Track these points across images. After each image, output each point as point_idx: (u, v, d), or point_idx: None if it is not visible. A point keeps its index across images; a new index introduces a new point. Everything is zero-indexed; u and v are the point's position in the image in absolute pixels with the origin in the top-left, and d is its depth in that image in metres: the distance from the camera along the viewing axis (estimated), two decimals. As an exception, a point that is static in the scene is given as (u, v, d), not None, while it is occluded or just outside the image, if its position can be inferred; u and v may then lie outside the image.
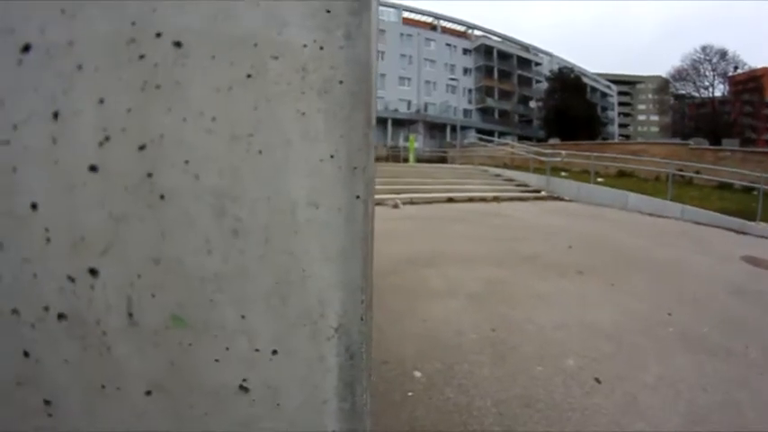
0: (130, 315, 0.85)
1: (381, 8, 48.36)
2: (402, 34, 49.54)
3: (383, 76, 49.01)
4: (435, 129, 49.47)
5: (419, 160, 29.51)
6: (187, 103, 0.82)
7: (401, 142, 40.87)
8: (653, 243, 6.72)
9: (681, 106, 48.14)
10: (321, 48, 0.82)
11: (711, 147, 18.59)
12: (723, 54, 44.22)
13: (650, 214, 10.48)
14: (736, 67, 44.61)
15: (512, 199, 11.98)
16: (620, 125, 64.87)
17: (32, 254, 0.85)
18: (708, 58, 44.89)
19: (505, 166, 18.23)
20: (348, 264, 0.87)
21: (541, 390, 2.46)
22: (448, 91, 51.69)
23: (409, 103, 50.04)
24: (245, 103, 0.83)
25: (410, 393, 2.44)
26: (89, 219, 0.83)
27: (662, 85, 51.40)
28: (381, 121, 47.64)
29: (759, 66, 45.00)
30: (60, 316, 0.85)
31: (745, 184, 11.69)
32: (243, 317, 0.86)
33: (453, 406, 2.33)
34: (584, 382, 2.56)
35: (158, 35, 0.82)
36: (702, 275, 4.96)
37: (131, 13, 0.82)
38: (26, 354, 0.87)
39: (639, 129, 67.75)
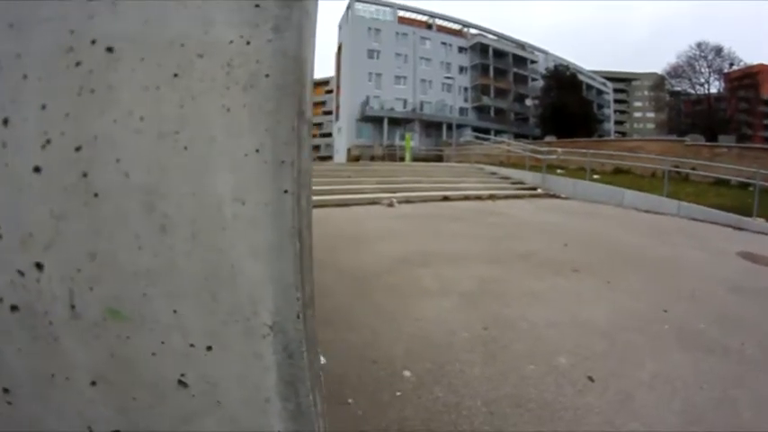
0: (73, 307, 0.88)
1: (377, 7, 48.45)
2: (397, 33, 49.50)
3: (379, 75, 49.01)
4: (431, 127, 49.43)
5: (415, 159, 29.47)
6: (118, 104, 0.86)
7: (397, 141, 40.85)
8: (649, 240, 6.68)
9: (677, 103, 48.18)
10: (248, 43, 0.84)
11: (707, 143, 18.58)
12: (718, 51, 44.21)
13: (646, 211, 10.44)
14: (731, 64, 44.62)
15: (507, 197, 11.92)
16: (617, 122, 64.98)
17: (-14, 250, 0.90)
18: (703, 54, 44.88)
19: (501, 164, 18.19)
20: (279, 260, 0.87)
21: (533, 389, 2.41)
22: (444, 89, 51.65)
23: (405, 101, 49.94)
24: (171, 101, 0.85)
25: (399, 393, 2.40)
26: (34, 216, 0.88)
27: (658, 81, 51.45)
28: (377, 120, 47.64)
29: (755, 62, 45.14)
30: (13, 308, 0.89)
31: (741, 180, 11.65)
32: (175, 311, 0.88)
33: (443, 406, 2.28)
34: (577, 380, 2.50)
35: (93, 42, 0.86)
36: (699, 272, 4.92)
37: (72, 22, 0.86)
38: (-14, 344, 0.92)
39: (636, 126, 67.91)
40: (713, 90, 45.45)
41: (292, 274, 0.88)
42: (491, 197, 11.25)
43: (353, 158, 41.23)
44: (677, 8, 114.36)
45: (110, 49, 0.85)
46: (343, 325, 3.22)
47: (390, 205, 8.86)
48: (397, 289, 4.05)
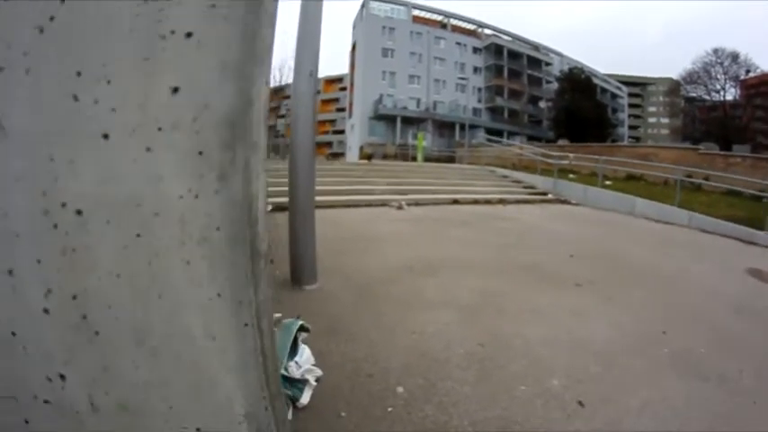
0: (92, 404, 1.08)
1: (391, 6, 48.42)
2: (412, 32, 49.42)
3: (393, 74, 48.97)
4: (444, 127, 49.33)
5: (427, 159, 29.41)
6: (98, 263, 0.99)
7: (410, 140, 40.85)
8: (656, 253, 6.62)
9: (691, 109, 47.51)
10: (196, 196, 0.94)
11: (721, 152, 18.34)
12: (735, 57, 43.53)
13: (657, 220, 10.34)
14: (748, 71, 43.87)
15: (518, 201, 11.87)
16: (630, 127, 64.28)
17: None
18: (719, 60, 44.17)
19: (513, 167, 18.06)
20: (245, 373, 1.07)
21: (521, 411, 2.41)
22: (457, 90, 51.49)
23: (419, 101, 49.91)
24: (139, 259, 0.98)
25: (390, 409, 2.42)
26: (51, 342, 1.09)
27: (673, 87, 50.78)
28: (391, 119, 47.65)
29: (772, 69, 44.30)
30: (46, 401, 1.10)
31: (753, 192, 11.47)
32: (171, 407, 1.08)
33: (432, 424, 2.30)
34: (567, 404, 2.50)
35: (63, 205, 0.96)
36: (704, 290, 4.86)
37: (41, 182, 0.96)
38: None
39: (649, 131, 67.12)
40: (729, 97, 44.80)
41: (258, 381, 1.08)
42: (501, 201, 11.21)
43: (366, 156, 41.26)
44: (695, 11, 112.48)
45: (79, 212, 0.96)
46: (344, 335, 3.25)
47: (400, 208, 8.89)
48: (400, 299, 4.07)
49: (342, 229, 6.84)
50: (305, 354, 2.64)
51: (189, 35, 0.89)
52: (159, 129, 0.91)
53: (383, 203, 9.36)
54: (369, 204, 9.29)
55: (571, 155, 15.85)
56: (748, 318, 4.04)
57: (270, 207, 7.82)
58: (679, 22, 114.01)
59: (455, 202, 10.43)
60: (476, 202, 10.79)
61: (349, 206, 8.94)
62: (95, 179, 0.94)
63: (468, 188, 12.36)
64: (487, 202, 10.98)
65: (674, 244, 7.56)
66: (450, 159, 30.20)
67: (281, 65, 42.74)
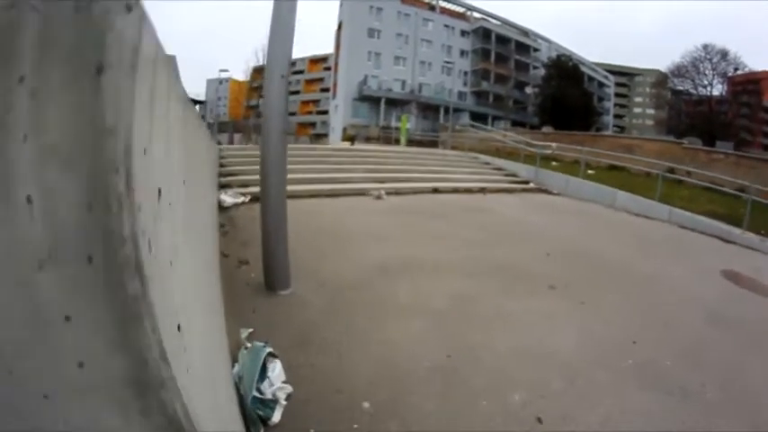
0: None
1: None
2: (399, 13, 48.80)
3: (378, 55, 48.43)
4: (429, 110, 49.10)
5: (411, 141, 29.16)
6: None
7: (393, 122, 40.53)
8: (633, 251, 6.61)
9: (677, 102, 47.87)
10: None
11: (705, 147, 18.51)
12: (724, 54, 43.95)
13: (637, 214, 10.37)
14: (736, 69, 44.41)
15: (499, 190, 11.78)
16: (616, 116, 64.71)
17: None
18: (709, 56, 44.60)
19: (497, 152, 17.91)
20: None
21: (480, 429, 2.38)
22: (443, 72, 51.17)
23: (404, 82, 49.51)
24: None
25: (356, 426, 2.40)
26: None
27: (660, 79, 51.15)
28: (375, 100, 47.20)
29: (760, 68, 44.92)
30: None
31: (734, 191, 11.53)
32: None
33: (395, 441, 2.25)
34: (525, 420, 2.47)
35: None
36: (678, 294, 4.86)
37: None
38: None
39: (635, 121, 67.67)
40: (716, 93, 45.25)
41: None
42: (482, 191, 11.12)
43: (348, 138, 40.81)
44: (687, 6, 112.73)
45: None
46: (315, 347, 3.18)
47: (379, 198, 8.72)
48: (372, 305, 3.97)
49: (318, 222, 6.67)
50: (276, 369, 2.66)
51: None
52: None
53: (362, 193, 9.17)
54: (348, 194, 9.08)
55: (554, 144, 15.78)
56: (719, 326, 4.05)
57: (248, 197, 7.70)
58: (669, 15, 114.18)
59: (435, 191, 10.29)
60: (456, 191, 10.67)
61: (328, 195, 8.75)
62: None
63: (450, 176, 12.22)
64: (468, 191, 10.87)
65: (652, 241, 7.57)
66: (434, 143, 30.03)
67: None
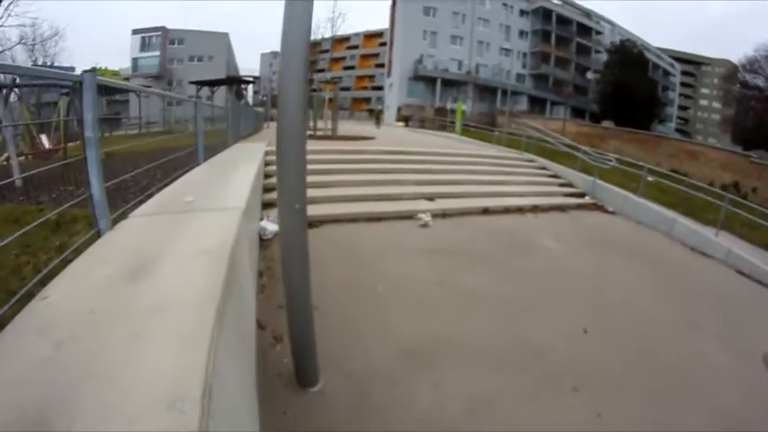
0: None
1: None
2: (456, -10, 47.59)
3: (434, 34, 47.58)
4: (486, 92, 48.25)
5: (466, 127, 28.71)
6: None
7: (449, 104, 40.04)
8: (678, 318, 6.17)
9: (747, 99, 44.68)
10: None
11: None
12: (805, 49, 40.43)
13: (692, 248, 9.99)
14: (818, 67, 40.85)
15: (552, 208, 11.51)
16: (680, 107, 61.34)
17: None
18: (787, 51, 41.08)
19: (553, 154, 17.24)
20: None
21: None
22: (501, 53, 49.98)
23: (460, 63, 48.67)
24: None
25: None
26: None
27: (730, 72, 47.91)
28: (430, 80, 46.68)
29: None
30: None
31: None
32: None
33: None
34: None
35: None
36: (711, 399, 4.43)
37: None
38: None
39: (699, 114, 63.96)
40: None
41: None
42: (533, 209, 10.96)
43: (402, 118, 40.90)
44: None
45: None
46: None
47: (425, 225, 8.58)
48: (385, 415, 3.65)
49: (353, 270, 6.24)
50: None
51: None
52: None
53: (409, 216, 8.96)
54: (392, 217, 8.79)
55: (614, 158, 15.25)
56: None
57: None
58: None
59: (485, 211, 10.12)
60: (507, 210, 10.48)
61: (370, 220, 8.46)
62: None
63: (502, 188, 12.01)
64: (519, 210, 10.68)
65: (705, 301, 7.04)
66: (491, 125, 29.60)
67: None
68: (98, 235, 2.76)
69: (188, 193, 4.16)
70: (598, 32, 54.07)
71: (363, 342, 4.65)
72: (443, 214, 9.50)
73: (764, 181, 15.22)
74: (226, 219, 3.30)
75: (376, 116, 35.08)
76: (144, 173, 5.96)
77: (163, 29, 55.18)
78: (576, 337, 5.26)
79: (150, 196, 4.16)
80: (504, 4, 50.07)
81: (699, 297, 7.28)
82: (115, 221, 2.98)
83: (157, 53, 55.22)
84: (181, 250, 2.48)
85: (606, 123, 32.46)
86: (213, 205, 3.84)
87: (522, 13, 51.05)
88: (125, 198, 4.61)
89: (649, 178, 13.16)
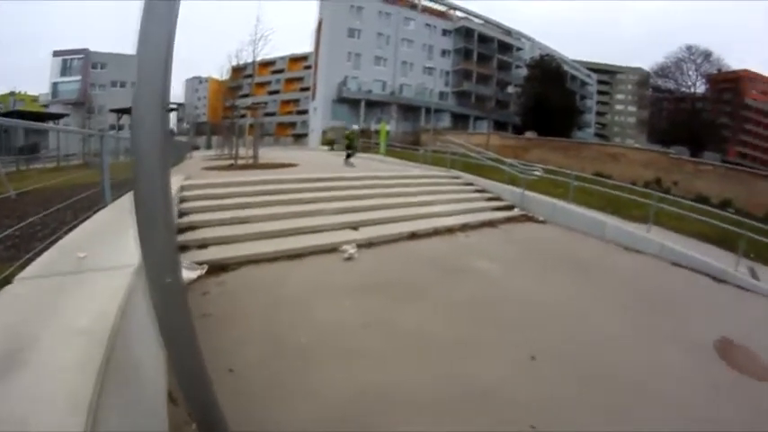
0: None
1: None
2: (380, 12, 48.23)
3: (358, 55, 47.81)
4: (410, 111, 48.83)
5: (390, 147, 28.57)
6: None
7: (373, 125, 39.92)
8: (626, 325, 5.90)
9: (659, 102, 48.21)
10: None
11: (692, 159, 18.18)
12: (707, 55, 44.78)
13: (626, 248, 9.90)
14: (719, 70, 45.21)
15: (482, 224, 11.03)
16: (598, 113, 64.93)
17: None
18: (692, 57, 45.42)
19: (479, 169, 17.03)
20: None
21: None
22: (425, 73, 50.88)
23: (384, 84, 49.05)
24: None
25: None
26: None
27: (643, 78, 51.63)
28: (354, 102, 46.61)
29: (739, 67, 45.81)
30: None
31: (723, 201, 11.20)
32: None
33: None
34: None
35: None
36: (683, 399, 4.27)
37: None
38: None
39: (616, 119, 68.05)
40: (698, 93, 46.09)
41: None
42: (463, 228, 10.46)
43: (328, 142, 40.32)
44: (671, 5, 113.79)
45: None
46: None
47: (349, 258, 7.76)
48: None
49: (274, 323, 5.26)
50: None
51: None
52: None
53: (332, 249, 8.08)
54: (315, 251, 7.94)
55: (541, 168, 15.18)
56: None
57: (205, 268, 6.30)
58: (655, 13, 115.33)
59: (413, 236, 9.45)
60: (436, 232, 9.88)
61: (292, 257, 7.58)
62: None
63: (430, 208, 11.43)
64: (449, 230, 10.10)
65: (650, 303, 6.83)
66: (415, 144, 29.64)
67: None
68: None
69: (85, 244, 3.80)
70: (518, 48, 56.34)
71: (287, 407, 3.76)
72: (369, 243, 8.71)
73: (684, 174, 15.74)
74: (115, 281, 2.85)
75: (348, 142, 20.44)
76: (55, 213, 5.05)
77: (85, 51, 51.03)
78: (524, 367, 4.69)
79: (54, 242, 3.88)
80: (428, 25, 51.19)
81: (642, 299, 7.06)
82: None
83: (79, 77, 50.59)
84: (59, 330, 2.12)
85: (529, 134, 33.33)
86: (106, 262, 3.33)
87: (445, 32, 52.34)
88: (28, 248, 3.92)
89: (575, 183, 13.11)
